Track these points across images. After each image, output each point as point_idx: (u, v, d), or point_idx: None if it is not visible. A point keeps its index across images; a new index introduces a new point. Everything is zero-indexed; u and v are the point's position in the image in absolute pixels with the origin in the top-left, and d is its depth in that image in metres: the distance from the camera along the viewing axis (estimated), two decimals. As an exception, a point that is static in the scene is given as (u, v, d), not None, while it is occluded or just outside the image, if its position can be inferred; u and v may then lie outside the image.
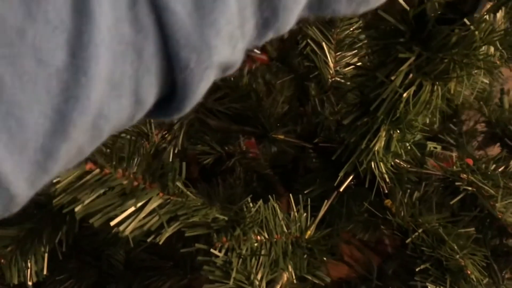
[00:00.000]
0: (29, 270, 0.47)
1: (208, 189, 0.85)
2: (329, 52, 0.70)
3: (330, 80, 0.70)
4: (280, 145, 0.70)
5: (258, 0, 0.19)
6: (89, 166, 0.37)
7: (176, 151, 0.62)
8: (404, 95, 0.48)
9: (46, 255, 0.49)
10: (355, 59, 0.69)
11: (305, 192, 0.68)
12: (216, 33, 0.18)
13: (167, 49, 0.18)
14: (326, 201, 0.59)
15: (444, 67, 0.46)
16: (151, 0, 0.17)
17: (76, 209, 0.37)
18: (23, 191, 0.16)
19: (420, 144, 0.74)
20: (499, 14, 0.76)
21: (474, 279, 0.52)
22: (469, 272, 0.52)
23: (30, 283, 0.48)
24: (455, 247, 0.54)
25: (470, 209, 0.61)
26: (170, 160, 0.57)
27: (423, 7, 0.43)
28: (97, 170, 0.37)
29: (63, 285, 0.69)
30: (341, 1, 0.22)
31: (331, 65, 0.70)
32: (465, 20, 0.42)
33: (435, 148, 0.75)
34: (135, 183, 0.40)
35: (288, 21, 0.21)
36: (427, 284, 0.52)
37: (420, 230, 0.57)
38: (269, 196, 0.54)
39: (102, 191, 0.37)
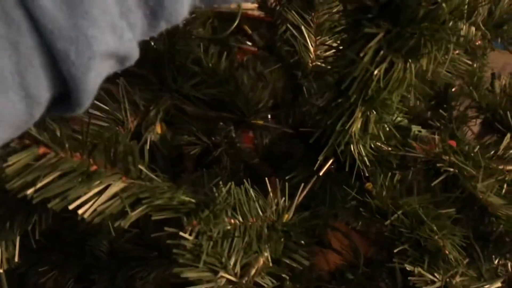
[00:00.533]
0: (-1, 257, 0.47)
1: (193, 179, 0.85)
2: (309, 36, 0.69)
3: (310, 65, 0.70)
4: (272, 136, 0.69)
5: None
6: (42, 150, 0.36)
7: (152, 139, 0.61)
8: (375, 72, 0.47)
9: (17, 242, 0.49)
10: (336, 44, 0.68)
11: (287, 177, 0.67)
12: (90, 23, 0.18)
13: (45, 43, 0.18)
14: (303, 184, 0.58)
15: (415, 42, 0.45)
16: None
17: (28, 192, 0.36)
18: None
19: (404, 128, 0.73)
20: (482, -6, 0.75)
21: (453, 259, 0.51)
22: (447, 252, 0.51)
23: (1, 270, 0.47)
24: (434, 228, 0.53)
25: (452, 191, 0.60)
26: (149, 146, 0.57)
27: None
28: (52, 154, 0.37)
29: (46, 276, 0.69)
30: None
31: (311, 49, 0.69)
32: (432, -8, 0.41)
33: (419, 131, 0.74)
34: (94, 167, 0.39)
35: (178, 10, 0.21)
36: (405, 265, 0.52)
37: (399, 212, 0.56)
38: (244, 180, 0.54)
39: (56, 174, 0.37)
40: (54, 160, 0.38)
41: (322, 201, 0.73)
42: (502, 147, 0.89)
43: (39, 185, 0.37)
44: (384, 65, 0.47)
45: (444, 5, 0.42)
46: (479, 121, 1.04)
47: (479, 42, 0.67)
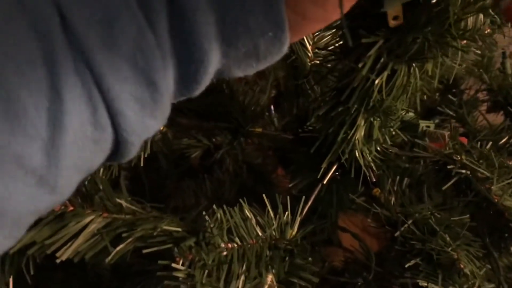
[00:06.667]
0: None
1: (194, 187, 0.82)
2: (305, 33, 0.65)
3: (309, 64, 0.66)
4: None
5: (178, 84, 0.25)
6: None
7: (146, 156, 0.58)
8: (376, 82, 0.43)
9: (11, 283, 0.47)
10: (334, 40, 0.63)
11: (290, 185, 0.64)
12: (153, 118, 0.24)
13: (118, 136, 0.23)
14: (304, 197, 0.55)
15: (418, 48, 0.41)
16: (108, 108, 0.22)
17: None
18: None
19: (411, 124, 0.69)
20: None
21: (469, 272, 0.48)
22: (462, 266, 0.48)
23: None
24: (448, 239, 0.50)
25: (465, 195, 0.57)
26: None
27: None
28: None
29: (48, 298, 0.68)
30: (236, 72, 0.27)
31: (309, 47, 0.65)
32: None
33: (428, 127, 0.70)
34: (70, 208, 0.37)
35: (200, 89, 0.26)
36: (418, 281, 0.49)
37: (409, 222, 0.53)
38: (240, 200, 0.51)
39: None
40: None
41: (329, 204, 0.70)
42: (516, 132, 0.85)
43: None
44: (385, 73, 0.43)
45: (450, 7, 0.38)
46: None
47: (489, 30, 0.62)
